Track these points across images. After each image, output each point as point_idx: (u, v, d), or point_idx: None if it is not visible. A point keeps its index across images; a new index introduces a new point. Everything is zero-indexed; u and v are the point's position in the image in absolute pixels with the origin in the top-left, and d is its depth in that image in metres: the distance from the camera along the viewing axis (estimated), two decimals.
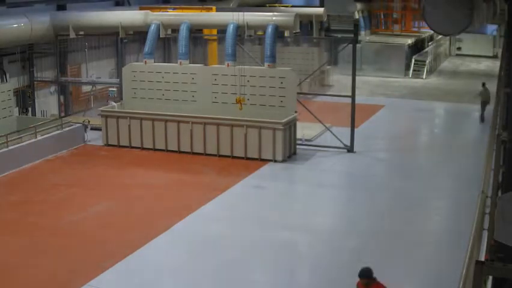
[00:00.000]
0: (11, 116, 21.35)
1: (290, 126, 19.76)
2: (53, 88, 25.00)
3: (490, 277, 5.76)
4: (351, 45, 21.19)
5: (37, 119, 21.82)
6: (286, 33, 24.37)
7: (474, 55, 43.13)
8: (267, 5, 36.55)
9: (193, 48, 25.97)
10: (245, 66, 20.06)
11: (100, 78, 26.33)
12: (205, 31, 25.83)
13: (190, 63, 21.70)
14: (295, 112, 20.08)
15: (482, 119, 24.69)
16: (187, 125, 20.12)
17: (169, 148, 20.43)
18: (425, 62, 36.33)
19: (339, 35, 35.13)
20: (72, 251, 13.04)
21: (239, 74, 19.46)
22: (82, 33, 23.76)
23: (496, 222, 5.53)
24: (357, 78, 20.90)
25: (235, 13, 20.42)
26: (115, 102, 22.00)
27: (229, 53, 20.54)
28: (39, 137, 19.79)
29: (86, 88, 26.66)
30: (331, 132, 20.85)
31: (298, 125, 20.17)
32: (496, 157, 9.21)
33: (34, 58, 24.21)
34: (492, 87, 27.55)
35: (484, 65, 40.55)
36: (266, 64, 20.46)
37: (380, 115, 25.68)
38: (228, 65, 20.49)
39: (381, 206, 15.85)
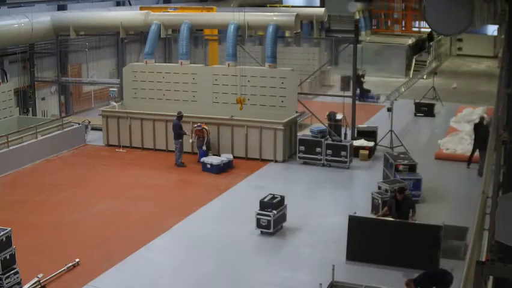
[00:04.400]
0: (11, 116, 21.37)
1: (291, 126, 19.77)
2: (53, 88, 25.02)
3: (491, 277, 5.76)
4: (351, 46, 21.19)
5: (38, 119, 21.83)
6: (287, 33, 24.37)
7: (475, 55, 43.10)
8: (268, 5, 36.55)
9: (193, 49, 25.99)
10: (246, 67, 20.07)
11: (99, 78, 26.37)
12: (206, 31, 25.84)
13: (190, 63, 21.72)
14: (296, 112, 20.09)
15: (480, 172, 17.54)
16: (188, 125, 20.11)
17: (169, 148, 20.42)
18: (425, 62, 36.31)
19: (340, 35, 35.11)
20: (72, 251, 13.03)
21: (240, 74, 19.46)
22: (82, 33, 23.77)
23: (497, 223, 5.53)
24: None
25: (235, 13, 20.43)
26: (116, 102, 22.00)
27: (229, 53, 20.55)
28: (40, 137, 19.79)
29: (86, 88, 26.70)
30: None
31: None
32: (496, 157, 9.20)
33: (35, 58, 24.23)
34: (493, 87, 27.56)
35: (485, 65, 40.53)
36: (267, 64, 20.47)
37: (380, 115, 25.62)
38: (228, 65, 20.51)
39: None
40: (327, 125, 20.47)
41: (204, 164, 18.58)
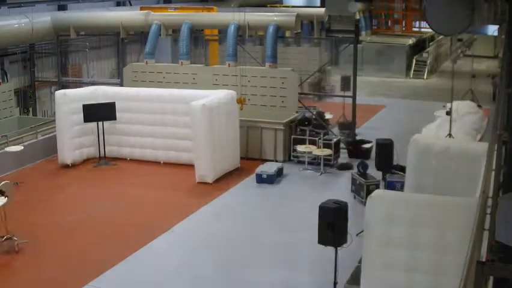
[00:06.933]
0: (12, 116, 21.36)
1: (291, 127, 19.76)
2: (54, 88, 25.02)
3: (491, 277, 5.75)
4: (352, 46, 21.20)
5: (38, 119, 21.82)
6: (288, 34, 24.35)
7: (475, 55, 43.04)
8: (268, 5, 36.54)
9: (193, 49, 25.98)
10: (246, 67, 20.07)
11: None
12: (206, 31, 25.84)
13: (191, 63, 21.71)
14: (297, 112, 20.08)
15: None
16: None
17: None
18: (426, 62, 36.30)
19: (340, 35, 35.10)
20: (72, 251, 13.04)
21: (240, 74, 19.45)
22: (82, 33, 23.78)
23: (497, 223, 5.53)
24: (358, 78, 20.92)
25: (236, 13, 20.43)
26: None
27: (230, 53, 20.55)
28: (40, 137, 19.78)
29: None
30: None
31: None
32: (497, 157, 9.18)
33: (35, 58, 24.24)
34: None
35: (485, 65, 40.50)
36: (267, 64, 20.47)
37: (380, 115, 25.66)
38: (228, 65, 20.50)
39: None
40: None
41: None
